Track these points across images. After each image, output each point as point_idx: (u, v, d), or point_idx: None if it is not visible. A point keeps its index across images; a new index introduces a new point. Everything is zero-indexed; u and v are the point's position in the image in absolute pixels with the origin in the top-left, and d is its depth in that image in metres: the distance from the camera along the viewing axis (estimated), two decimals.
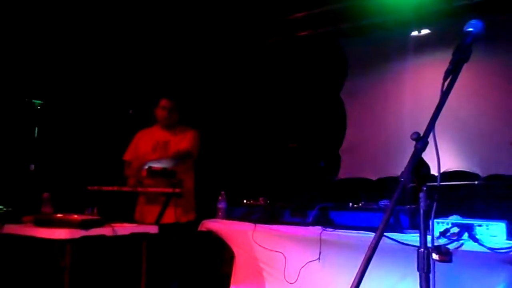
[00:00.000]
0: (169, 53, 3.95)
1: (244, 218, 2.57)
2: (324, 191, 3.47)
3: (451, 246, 1.73)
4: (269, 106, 4.05)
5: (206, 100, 4.03)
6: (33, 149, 2.94)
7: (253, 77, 4.10)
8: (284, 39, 3.79)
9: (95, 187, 2.69)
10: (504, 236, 1.74)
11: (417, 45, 3.42)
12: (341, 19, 3.50)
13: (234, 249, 2.66)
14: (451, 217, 1.90)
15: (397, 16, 3.31)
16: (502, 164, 3.00)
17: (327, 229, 2.17)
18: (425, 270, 1.13)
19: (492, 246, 1.68)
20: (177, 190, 2.57)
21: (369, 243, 1.05)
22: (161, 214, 2.65)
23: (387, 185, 3.33)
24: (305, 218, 2.32)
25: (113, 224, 2.30)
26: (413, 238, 1.83)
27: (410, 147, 1.15)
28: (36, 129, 2.94)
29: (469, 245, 1.74)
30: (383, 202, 2.18)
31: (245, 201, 2.68)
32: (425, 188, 1.17)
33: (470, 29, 1.27)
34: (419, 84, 3.37)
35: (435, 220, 1.84)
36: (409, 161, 1.11)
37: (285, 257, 2.36)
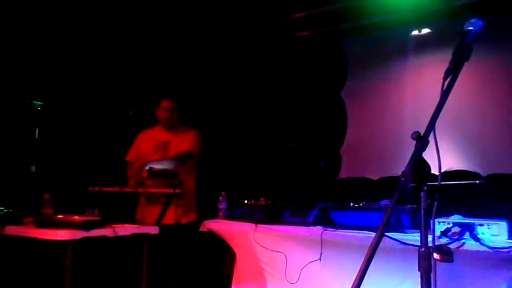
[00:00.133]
0: (170, 53, 3.96)
1: (245, 218, 2.57)
2: (325, 191, 3.47)
3: (452, 246, 1.72)
4: (269, 106, 4.05)
5: (206, 100, 4.03)
6: (34, 150, 2.95)
7: (253, 77, 4.10)
8: (284, 39, 3.79)
9: (96, 188, 2.69)
10: (506, 235, 1.74)
11: (417, 45, 3.42)
12: (341, 19, 3.50)
13: (235, 249, 2.66)
14: (452, 217, 1.90)
15: (397, 16, 3.31)
16: (504, 163, 2.99)
17: (328, 229, 2.16)
18: (426, 270, 1.13)
19: (494, 246, 1.68)
20: (177, 190, 2.57)
21: (370, 243, 1.05)
22: (162, 215, 2.65)
23: (388, 184, 3.32)
24: (306, 218, 2.32)
25: (114, 225, 2.30)
26: (414, 237, 1.83)
27: (410, 146, 1.15)
28: (37, 130, 2.94)
29: (470, 245, 1.74)
30: (384, 202, 2.18)
31: (246, 201, 2.68)
32: (425, 188, 1.16)
33: (470, 28, 1.27)
34: (419, 83, 3.37)
35: (436, 220, 1.84)
36: (409, 161, 1.11)
37: (286, 257, 2.36)
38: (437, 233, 1.77)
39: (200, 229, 2.69)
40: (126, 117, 3.23)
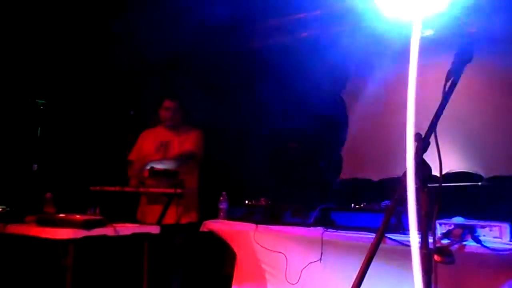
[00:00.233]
0: (170, 54, 3.96)
1: (245, 218, 2.57)
2: (325, 191, 3.46)
3: (453, 248, 1.72)
4: (269, 106, 4.05)
5: (207, 100, 4.04)
6: (36, 149, 2.95)
7: (254, 77, 4.10)
8: (284, 39, 3.78)
9: (98, 187, 2.70)
10: (508, 237, 1.73)
11: (420, 46, 3.41)
12: (341, 19, 3.49)
13: (236, 249, 2.66)
14: (454, 218, 1.89)
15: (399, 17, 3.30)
16: (506, 165, 2.98)
17: (329, 230, 2.16)
18: (426, 272, 1.13)
19: (495, 248, 1.67)
20: (178, 190, 2.58)
21: (370, 244, 1.04)
22: (162, 215, 2.66)
23: (389, 186, 3.31)
24: (307, 219, 2.32)
25: (115, 224, 2.30)
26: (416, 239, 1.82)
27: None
28: (39, 129, 2.95)
29: (471, 247, 1.73)
30: (385, 203, 2.18)
31: (246, 201, 2.69)
32: (426, 189, 1.16)
33: (472, 30, 1.27)
34: (421, 84, 3.35)
35: (438, 221, 1.84)
36: None
37: (286, 258, 2.36)
38: (439, 234, 1.77)
39: (201, 229, 2.69)
40: (128, 116, 3.24)
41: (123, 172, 3.00)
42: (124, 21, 3.42)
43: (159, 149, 3.01)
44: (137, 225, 2.54)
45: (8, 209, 2.43)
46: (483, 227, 1.76)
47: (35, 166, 2.90)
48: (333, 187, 3.58)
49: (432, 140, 1.14)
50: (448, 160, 2.98)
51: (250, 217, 2.56)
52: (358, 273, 1.02)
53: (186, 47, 3.82)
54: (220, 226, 2.64)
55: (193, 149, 2.93)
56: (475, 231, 1.76)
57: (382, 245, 1.05)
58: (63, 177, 3.39)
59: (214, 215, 2.70)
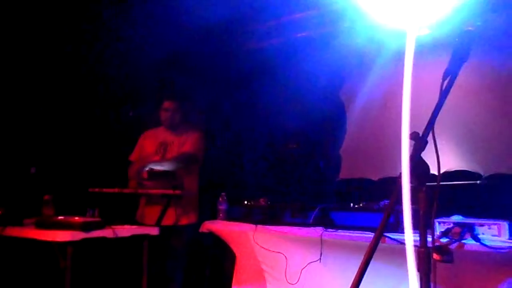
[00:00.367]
0: (170, 54, 3.96)
1: (245, 219, 2.57)
2: (325, 191, 3.46)
3: (452, 246, 1.72)
4: (268, 106, 4.05)
5: (207, 100, 4.03)
6: (34, 151, 2.95)
7: (252, 77, 4.10)
8: (282, 39, 3.78)
9: (96, 189, 2.69)
10: (507, 235, 1.73)
11: (416, 45, 3.41)
12: (340, 19, 3.50)
13: (235, 250, 2.66)
14: (452, 217, 1.89)
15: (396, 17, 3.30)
16: (505, 163, 2.98)
17: (328, 229, 2.16)
18: (425, 271, 1.13)
19: (494, 246, 1.67)
20: (177, 191, 2.57)
21: (369, 243, 1.04)
22: (161, 216, 2.65)
23: (388, 185, 3.32)
24: (306, 219, 2.32)
25: (113, 226, 2.30)
26: (413, 238, 1.82)
27: (410, 147, 1.15)
28: (38, 131, 2.95)
29: (471, 245, 1.73)
30: (384, 203, 2.17)
31: (245, 202, 2.68)
32: (424, 188, 1.16)
33: (469, 28, 1.27)
34: (418, 83, 3.35)
35: (436, 220, 1.84)
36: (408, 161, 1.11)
37: (286, 258, 2.36)
38: (438, 233, 1.77)
39: (200, 230, 2.69)
40: (127, 118, 3.24)
41: (122, 173, 2.99)
42: (124, 21, 3.42)
43: (159, 150, 3.00)
44: (136, 226, 2.53)
45: (7, 211, 2.42)
46: (482, 225, 1.76)
47: (34, 169, 2.89)
48: (332, 187, 3.58)
49: (430, 138, 1.14)
50: (447, 158, 2.98)
51: (250, 218, 2.56)
52: (357, 272, 1.02)
53: (185, 47, 3.82)
54: (219, 226, 2.64)
55: (192, 151, 2.92)
56: (474, 230, 1.76)
57: (381, 244, 1.05)
58: (62, 179, 3.39)
59: (214, 216, 2.69)
